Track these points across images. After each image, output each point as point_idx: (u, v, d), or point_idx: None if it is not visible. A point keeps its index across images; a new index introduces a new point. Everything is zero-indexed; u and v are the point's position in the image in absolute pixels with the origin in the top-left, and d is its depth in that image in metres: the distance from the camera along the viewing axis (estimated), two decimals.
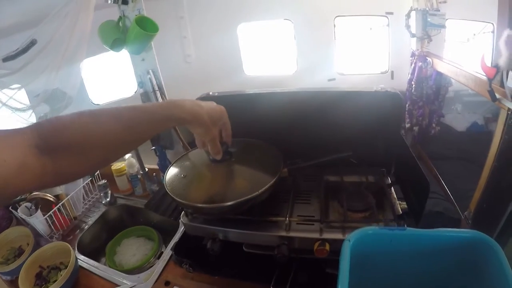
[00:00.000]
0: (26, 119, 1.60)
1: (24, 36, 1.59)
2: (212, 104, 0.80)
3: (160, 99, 1.48)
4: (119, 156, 0.66)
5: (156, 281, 1.19)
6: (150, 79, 1.46)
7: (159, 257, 1.40)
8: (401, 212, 0.96)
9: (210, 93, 1.19)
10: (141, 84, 1.51)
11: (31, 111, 1.62)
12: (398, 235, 0.77)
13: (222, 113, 0.81)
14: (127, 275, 1.25)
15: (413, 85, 1.88)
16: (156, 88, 1.48)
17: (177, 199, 0.95)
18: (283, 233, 0.93)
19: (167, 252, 1.29)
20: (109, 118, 0.60)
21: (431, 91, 1.90)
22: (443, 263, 0.77)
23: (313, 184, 1.11)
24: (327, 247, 0.89)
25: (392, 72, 2.09)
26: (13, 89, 1.58)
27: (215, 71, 2.35)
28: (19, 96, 1.63)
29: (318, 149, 1.04)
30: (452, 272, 0.77)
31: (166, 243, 1.51)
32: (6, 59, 1.56)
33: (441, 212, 1.64)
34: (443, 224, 1.52)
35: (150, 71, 1.47)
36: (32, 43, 1.59)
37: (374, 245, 0.79)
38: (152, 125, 0.65)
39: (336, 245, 0.88)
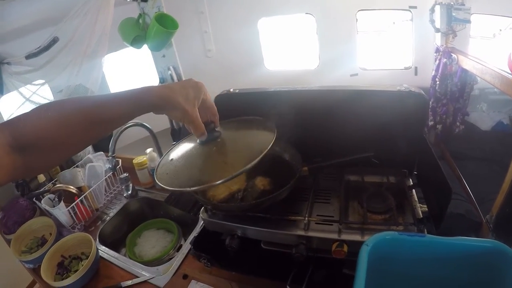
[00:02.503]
0: None
1: (46, 34, 1.63)
2: (187, 82, 0.73)
3: None
4: (91, 143, 0.65)
5: (174, 274, 1.21)
6: (171, 75, 1.48)
7: (178, 250, 1.42)
8: (421, 216, 0.94)
9: (231, 89, 1.18)
10: (162, 80, 1.53)
11: None
12: (418, 242, 0.76)
13: (198, 88, 0.73)
14: (146, 266, 1.28)
15: (437, 82, 1.83)
16: None
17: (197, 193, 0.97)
18: (302, 233, 0.93)
19: (186, 246, 1.31)
20: (74, 111, 0.59)
21: (455, 89, 1.85)
22: (462, 271, 0.75)
23: (333, 183, 1.10)
24: (345, 248, 0.88)
25: (416, 68, 2.04)
26: (36, 85, 1.63)
27: (236, 65, 2.35)
28: (43, 91, 1.68)
29: (339, 148, 1.03)
30: (471, 281, 0.75)
31: (185, 236, 1.53)
32: (29, 56, 1.61)
33: (462, 214, 1.60)
34: (463, 227, 1.50)
35: (171, 67, 1.49)
36: (54, 40, 1.63)
37: (392, 250, 0.77)
38: (120, 113, 0.63)
39: (354, 246, 0.88)
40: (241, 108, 1.14)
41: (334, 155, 1.04)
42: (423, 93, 0.97)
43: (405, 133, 1.03)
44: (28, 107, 1.64)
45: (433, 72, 1.87)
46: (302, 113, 1.09)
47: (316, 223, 0.95)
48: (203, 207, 1.08)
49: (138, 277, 1.24)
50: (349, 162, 1.03)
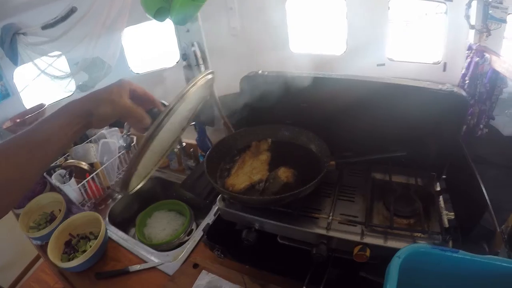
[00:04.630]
0: (64, 87, 1.60)
1: (63, 4, 1.57)
2: (107, 85, 0.68)
3: None
4: (39, 172, 0.61)
5: (184, 261, 1.18)
6: (195, 52, 1.39)
7: (189, 234, 1.40)
8: (447, 225, 0.88)
9: (260, 71, 1.13)
10: (184, 56, 1.43)
11: (69, 78, 1.62)
12: (449, 257, 0.72)
13: (120, 82, 0.67)
14: (156, 251, 1.25)
15: (467, 81, 1.75)
16: (201, 61, 1.40)
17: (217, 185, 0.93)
18: (323, 232, 0.88)
19: (198, 232, 1.27)
20: (10, 142, 0.57)
21: (484, 90, 1.77)
22: None
23: (359, 180, 1.05)
24: (368, 252, 0.84)
25: (445, 63, 1.95)
26: (52, 56, 1.57)
27: (260, 46, 2.23)
28: (59, 63, 1.63)
29: (367, 143, 0.98)
30: None
31: (197, 220, 1.50)
32: (45, 27, 1.55)
33: None
34: (476, 234, 1.45)
35: (195, 43, 1.39)
36: (72, 11, 1.57)
37: (420, 262, 0.74)
38: (53, 132, 0.59)
39: (376, 250, 0.84)
40: (268, 91, 1.09)
41: (362, 150, 0.99)
42: (465, 95, 0.91)
43: (439, 134, 0.97)
44: (43, 79, 1.60)
45: (463, 70, 1.79)
46: (331, 101, 1.03)
47: (339, 223, 0.90)
48: (220, 195, 1.04)
49: (147, 262, 1.21)
50: (379, 160, 0.98)
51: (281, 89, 1.07)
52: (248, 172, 1.02)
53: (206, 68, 1.42)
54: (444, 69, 1.94)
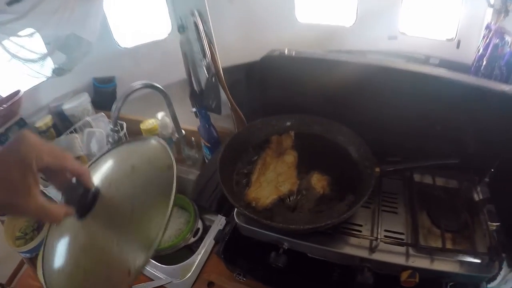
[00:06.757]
0: (37, 71, 1.34)
1: None
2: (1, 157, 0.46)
3: (207, 49, 1.14)
4: None
5: (196, 279, 1.03)
6: (196, 23, 1.11)
7: (195, 235, 1.26)
8: (494, 243, 0.76)
9: (286, 51, 0.95)
10: (181, 28, 1.15)
11: (42, 61, 1.35)
12: None
13: (24, 156, 0.45)
14: (160, 265, 1.10)
15: (484, 63, 1.65)
16: (203, 35, 1.12)
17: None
18: (366, 255, 0.76)
19: (209, 241, 1.12)
20: None
21: (498, 72, 1.67)
22: None
23: (398, 184, 0.92)
24: (417, 278, 0.73)
25: (459, 41, 1.83)
26: (21, 36, 1.30)
27: (262, 14, 1.99)
28: (33, 44, 1.35)
29: (412, 146, 0.87)
30: None
31: (202, 215, 1.35)
32: (11, 2, 1.27)
33: None
34: None
35: (196, 11, 1.10)
36: None
37: None
38: None
39: (422, 273, 0.73)
40: (294, 75, 0.97)
41: (405, 153, 0.87)
42: None
43: (492, 137, 0.85)
44: (16, 65, 1.32)
45: (481, 50, 1.68)
46: (369, 93, 0.90)
47: (384, 242, 0.77)
48: (236, 209, 0.87)
49: (152, 279, 1.06)
50: (428, 166, 0.87)
51: (307, 74, 0.94)
52: (273, 180, 0.87)
53: (211, 43, 1.17)
54: (458, 47, 1.84)
